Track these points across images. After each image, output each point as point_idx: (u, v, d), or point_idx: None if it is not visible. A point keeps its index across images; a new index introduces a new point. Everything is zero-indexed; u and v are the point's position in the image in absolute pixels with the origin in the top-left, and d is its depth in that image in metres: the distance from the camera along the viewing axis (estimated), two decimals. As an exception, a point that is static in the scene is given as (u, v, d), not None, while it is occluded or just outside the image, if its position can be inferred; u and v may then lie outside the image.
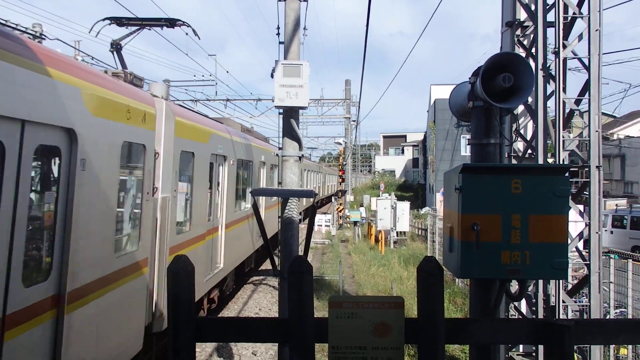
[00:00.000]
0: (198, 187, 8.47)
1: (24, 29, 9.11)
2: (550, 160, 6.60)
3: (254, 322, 2.96)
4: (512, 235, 2.89)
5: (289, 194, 5.81)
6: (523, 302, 6.99)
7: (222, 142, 9.92)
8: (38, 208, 4.61)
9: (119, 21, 8.26)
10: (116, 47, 8.11)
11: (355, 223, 24.64)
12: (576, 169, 6.45)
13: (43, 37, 10.93)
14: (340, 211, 30.18)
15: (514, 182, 2.89)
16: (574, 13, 6.37)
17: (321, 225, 26.65)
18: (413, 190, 53.92)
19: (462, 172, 2.93)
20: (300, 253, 6.04)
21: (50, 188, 4.72)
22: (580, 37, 6.35)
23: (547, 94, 6.38)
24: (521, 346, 6.95)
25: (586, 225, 6.25)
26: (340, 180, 31.07)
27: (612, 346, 8.21)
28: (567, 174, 2.96)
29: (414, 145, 66.79)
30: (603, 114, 6.67)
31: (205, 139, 8.82)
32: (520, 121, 7.39)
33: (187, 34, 9.39)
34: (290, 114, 6.33)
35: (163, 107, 6.90)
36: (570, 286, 6.84)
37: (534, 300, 6.41)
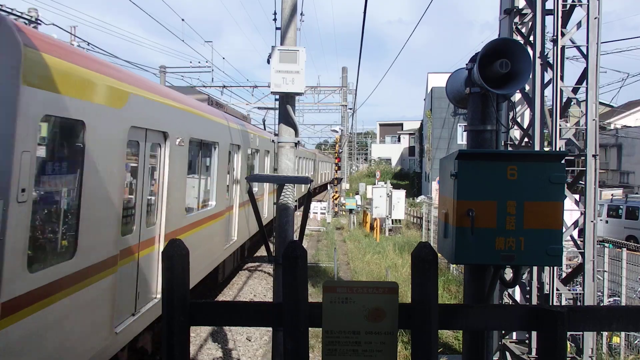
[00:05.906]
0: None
1: (19, 14, 9.21)
2: (546, 149, 6.59)
3: (248, 306, 2.95)
4: (507, 222, 2.87)
5: (284, 180, 5.78)
6: (517, 290, 7.02)
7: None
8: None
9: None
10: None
11: (350, 211, 24.67)
12: (572, 158, 6.45)
13: (39, 22, 10.81)
14: (335, 199, 30.20)
15: (509, 169, 2.88)
16: (572, 1, 6.32)
17: (317, 213, 26.67)
18: (409, 179, 53.91)
19: (458, 158, 2.91)
20: (296, 239, 6.03)
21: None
22: (579, 25, 6.31)
23: (545, 82, 6.36)
24: (514, 333, 6.99)
25: (581, 214, 6.25)
26: (337, 168, 31.02)
27: (604, 334, 8.28)
28: (563, 161, 2.94)
29: (410, 134, 66.55)
30: (600, 103, 6.66)
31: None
32: (517, 109, 7.37)
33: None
34: (286, 100, 6.28)
35: None
36: (564, 274, 6.87)
37: (528, 288, 6.44)
